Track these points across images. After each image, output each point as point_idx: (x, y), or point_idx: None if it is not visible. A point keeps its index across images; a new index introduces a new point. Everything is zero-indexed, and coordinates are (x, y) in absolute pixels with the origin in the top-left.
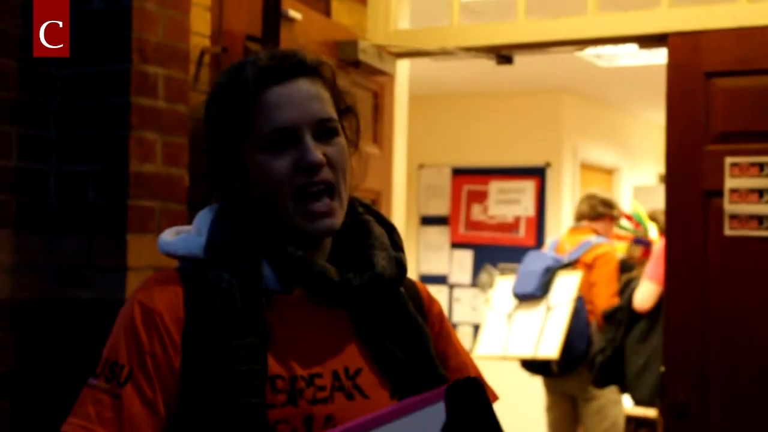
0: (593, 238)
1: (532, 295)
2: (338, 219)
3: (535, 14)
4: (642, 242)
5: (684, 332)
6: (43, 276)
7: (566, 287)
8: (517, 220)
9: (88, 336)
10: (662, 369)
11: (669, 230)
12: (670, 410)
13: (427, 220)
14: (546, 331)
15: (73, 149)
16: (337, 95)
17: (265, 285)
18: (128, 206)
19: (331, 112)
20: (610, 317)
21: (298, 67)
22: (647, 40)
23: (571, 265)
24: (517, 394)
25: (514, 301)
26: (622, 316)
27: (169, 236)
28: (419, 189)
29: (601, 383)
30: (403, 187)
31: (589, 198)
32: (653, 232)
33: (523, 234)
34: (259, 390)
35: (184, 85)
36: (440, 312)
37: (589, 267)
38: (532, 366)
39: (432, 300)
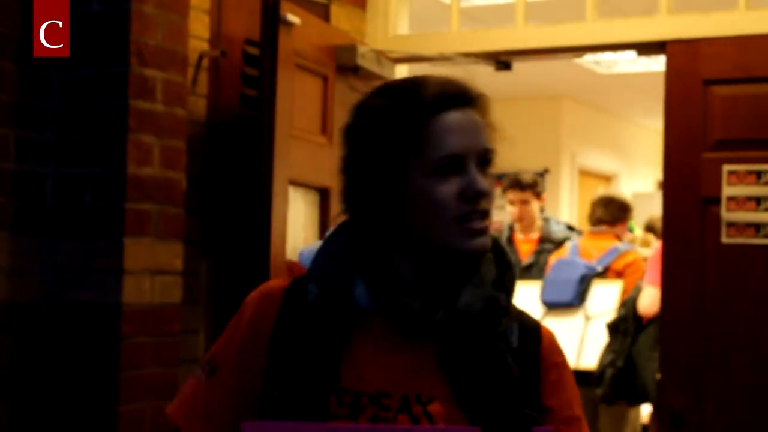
0: (621, 245)
1: (569, 304)
2: (489, 240)
3: (534, 20)
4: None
5: (681, 339)
6: (39, 278)
7: (605, 297)
8: None
9: (85, 339)
10: (658, 376)
11: (666, 237)
12: (667, 417)
13: None
14: (587, 341)
15: (70, 152)
16: (490, 128)
17: (356, 303)
18: (125, 209)
19: (490, 143)
20: (614, 329)
21: (467, 96)
22: (646, 47)
23: (602, 273)
24: None
25: (541, 309)
26: (627, 326)
27: (306, 248)
28: None
29: (612, 399)
30: None
31: (606, 203)
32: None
33: None
34: (323, 401)
35: (183, 88)
36: (560, 363)
37: (618, 275)
38: None
39: (553, 350)
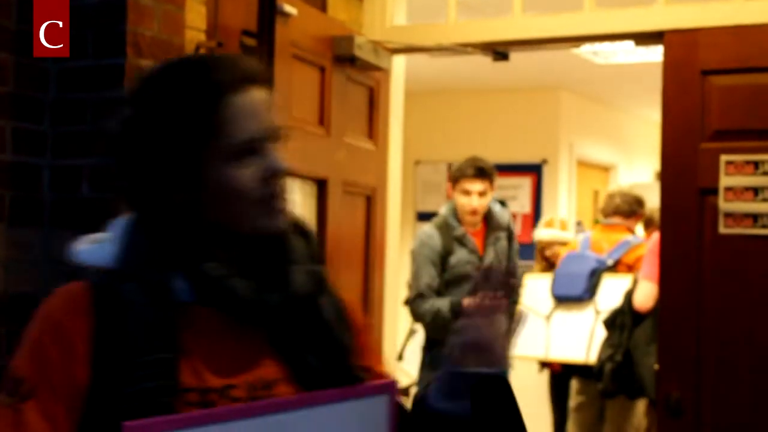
0: (632, 238)
1: (579, 298)
2: (284, 220)
3: (531, 10)
4: None
5: (678, 330)
6: (36, 270)
7: (615, 291)
8: (513, 216)
9: None
10: (656, 366)
11: (664, 228)
12: (664, 408)
13: (423, 217)
14: (597, 335)
15: (67, 143)
16: (274, 105)
17: (179, 297)
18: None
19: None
20: (611, 323)
21: (255, 73)
22: (644, 38)
23: (613, 266)
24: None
25: (551, 303)
26: (624, 319)
27: (83, 245)
28: (415, 185)
29: (612, 393)
30: (398, 183)
31: (624, 194)
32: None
33: (518, 231)
34: (168, 406)
35: None
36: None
37: (629, 268)
38: (573, 368)
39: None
